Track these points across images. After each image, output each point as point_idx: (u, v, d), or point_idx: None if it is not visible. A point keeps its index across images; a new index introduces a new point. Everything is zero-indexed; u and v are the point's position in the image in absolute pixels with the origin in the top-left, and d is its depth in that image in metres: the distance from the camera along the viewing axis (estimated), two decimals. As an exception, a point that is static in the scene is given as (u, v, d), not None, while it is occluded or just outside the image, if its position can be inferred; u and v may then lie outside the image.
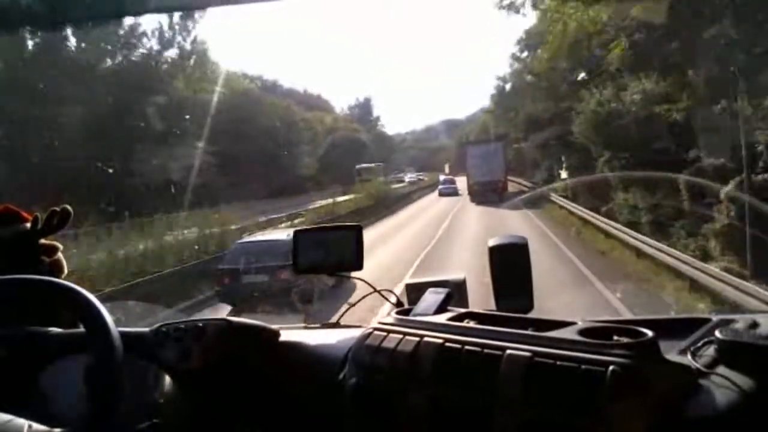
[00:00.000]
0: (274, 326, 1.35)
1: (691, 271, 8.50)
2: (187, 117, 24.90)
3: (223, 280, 8.86)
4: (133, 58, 24.83)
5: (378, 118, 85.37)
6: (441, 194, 31.89)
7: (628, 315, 6.50)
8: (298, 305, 7.51)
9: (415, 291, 1.28)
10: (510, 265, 1.17)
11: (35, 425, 0.82)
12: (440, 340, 0.94)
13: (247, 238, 10.59)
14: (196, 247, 12.79)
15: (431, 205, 28.47)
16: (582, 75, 20.95)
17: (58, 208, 1.44)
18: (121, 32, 23.93)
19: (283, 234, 9.87)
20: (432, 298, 1.13)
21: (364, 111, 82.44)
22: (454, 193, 31.54)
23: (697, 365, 0.83)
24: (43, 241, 1.45)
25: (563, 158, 22.27)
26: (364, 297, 1.49)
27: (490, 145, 29.90)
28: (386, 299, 1.39)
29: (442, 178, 39.90)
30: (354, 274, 1.40)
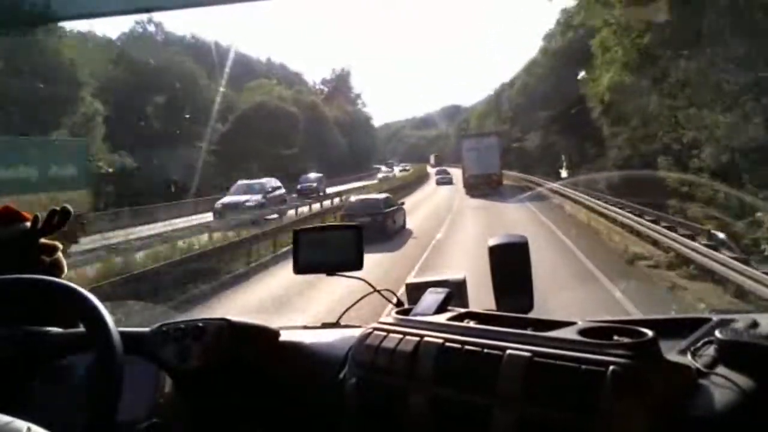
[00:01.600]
0: (274, 326, 1.35)
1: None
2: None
3: (344, 220, 14.23)
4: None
5: (359, 96, 70.12)
6: (438, 183, 37.30)
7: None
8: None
9: (415, 291, 1.28)
10: (510, 264, 1.17)
11: (35, 427, 0.82)
12: (440, 340, 0.94)
13: (355, 198, 18.01)
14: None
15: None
16: None
17: (58, 208, 1.44)
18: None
19: (378, 195, 17.31)
20: (432, 297, 1.13)
21: (340, 85, 65.45)
22: (449, 182, 36.41)
23: (697, 365, 0.83)
24: (43, 240, 1.45)
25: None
26: (364, 297, 1.50)
27: (486, 138, 30.62)
28: (386, 299, 1.39)
29: (434, 170, 46.50)
30: (354, 273, 1.40)
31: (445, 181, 36.77)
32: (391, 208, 15.25)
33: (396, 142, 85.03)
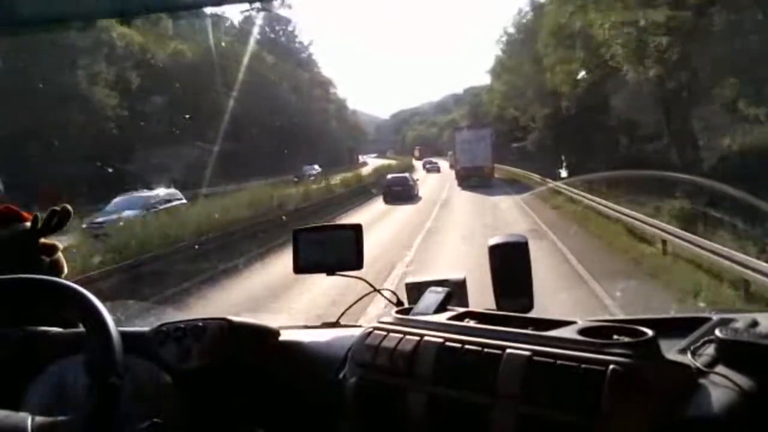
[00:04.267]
0: (274, 326, 1.35)
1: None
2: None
3: (385, 189, 22.88)
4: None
5: (307, 47, 43.80)
6: (428, 171, 42.83)
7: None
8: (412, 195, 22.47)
9: (415, 290, 1.28)
10: (510, 264, 1.17)
11: (38, 417, 0.82)
12: (440, 340, 0.94)
13: (389, 175, 25.54)
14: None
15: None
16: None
17: (58, 208, 1.44)
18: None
19: (405, 174, 26.01)
20: (432, 297, 1.13)
21: (274, 28, 38.18)
22: (437, 170, 42.66)
23: (697, 364, 0.83)
24: (42, 240, 1.45)
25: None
26: (364, 296, 1.50)
27: (479, 130, 30.78)
28: (386, 299, 1.39)
29: (420, 162, 50.05)
30: (354, 273, 1.40)
31: (434, 169, 43.56)
32: (412, 182, 24.37)
33: (408, 130, 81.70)
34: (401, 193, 22.35)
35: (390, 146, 74.54)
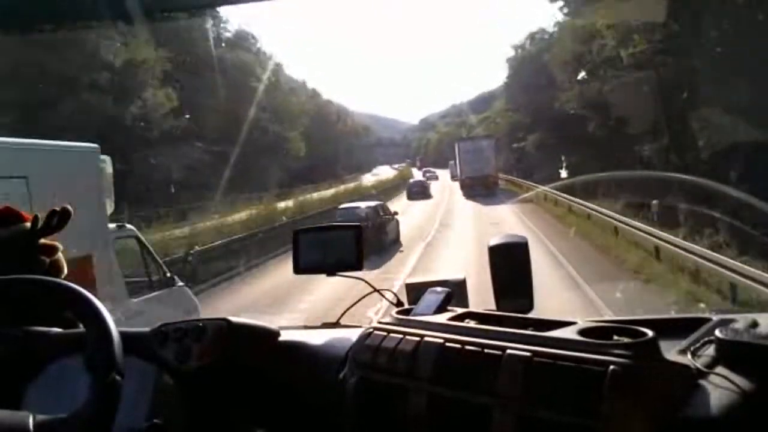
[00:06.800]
0: (274, 326, 1.35)
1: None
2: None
3: (408, 190, 34.54)
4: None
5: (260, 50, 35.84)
6: (427, 179, 46.44)
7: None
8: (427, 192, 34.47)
9: (415, 291, 1.28)
10: (510, 264, 1.17)
11: (39, 415, 0.82)
12: (440, 340, 0.95)
13: (411, 180, 41.53)
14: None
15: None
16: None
17: (57, 208, 1.44)
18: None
19: (421, 177, 45.73)
20: (432, 297, 1.13)
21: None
22: (435, 178, 48.75)
23: (697, 365, 0.83)
24: (42, 241, 1.45)
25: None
26: (364, 297, 1.50)
27: (482, 141, 32.23)
28: (386, 299, 1.39)
29: (420, 172, 55.53)
30: (354, 274, 1.40)
31: (432, 177, 48.63)
32: (426, 185, 34.18)
33: (434, 134, 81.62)
34: (419, 192, 32.75)
35: (413, 152, 76.70)
